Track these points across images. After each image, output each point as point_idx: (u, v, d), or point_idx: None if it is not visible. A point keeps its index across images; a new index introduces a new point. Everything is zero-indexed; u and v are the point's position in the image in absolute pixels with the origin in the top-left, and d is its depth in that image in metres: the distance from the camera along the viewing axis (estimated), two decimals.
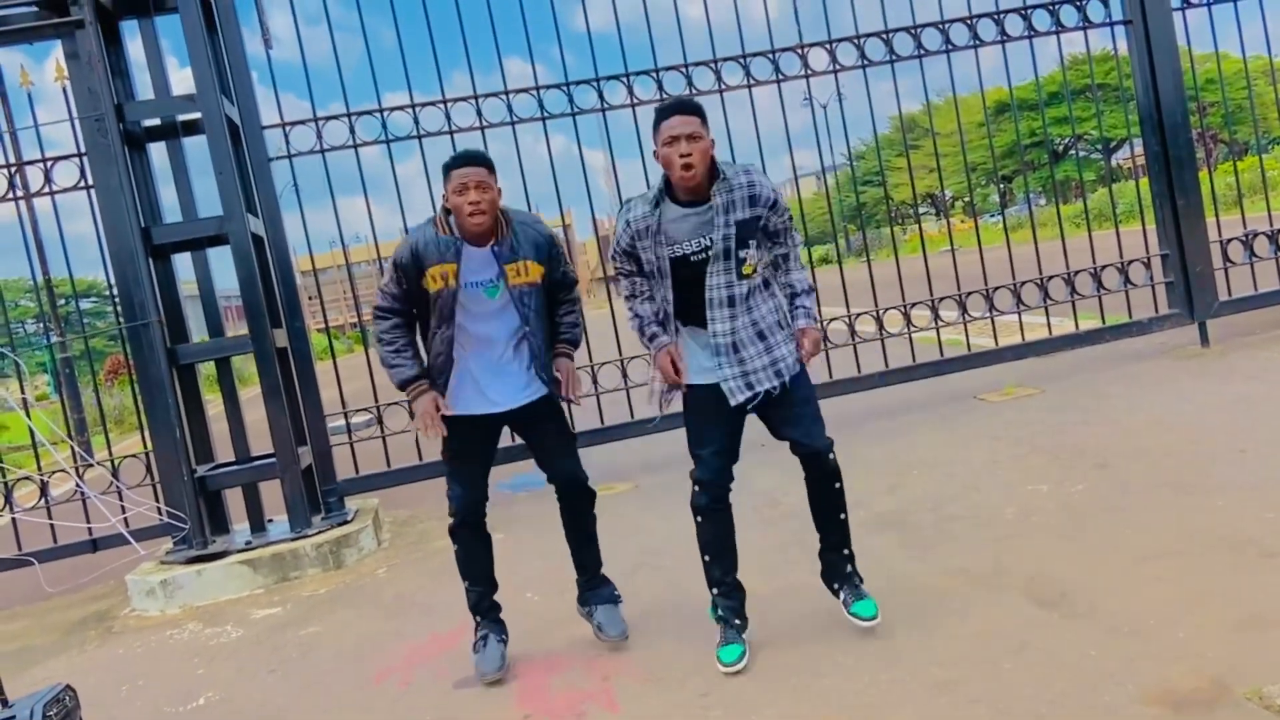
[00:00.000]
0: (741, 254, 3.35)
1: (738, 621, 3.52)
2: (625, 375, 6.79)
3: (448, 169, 3.55)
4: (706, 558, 3.55)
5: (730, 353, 3.39)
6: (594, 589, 3.89)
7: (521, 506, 6.36)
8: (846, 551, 3.58)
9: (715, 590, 3.57)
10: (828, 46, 7.04)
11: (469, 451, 3.71)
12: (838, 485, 3.51)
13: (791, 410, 3.45)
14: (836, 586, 3.61)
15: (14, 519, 6.15)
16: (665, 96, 6.80)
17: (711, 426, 3.47)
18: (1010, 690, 2.92)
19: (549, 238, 3.69)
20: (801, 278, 3.55)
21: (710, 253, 3.33)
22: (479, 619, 3.81)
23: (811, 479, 3.52)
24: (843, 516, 3.56)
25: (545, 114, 6.71)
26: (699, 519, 3.54)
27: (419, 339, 3.75)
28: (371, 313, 3.69)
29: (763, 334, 3.41)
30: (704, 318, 3.40)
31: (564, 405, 3.83)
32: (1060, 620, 3.34)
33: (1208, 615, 3.17)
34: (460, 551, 3.78)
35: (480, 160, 3.56)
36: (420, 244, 3.54)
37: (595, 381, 6.75)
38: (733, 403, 3.39)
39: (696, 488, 3.51)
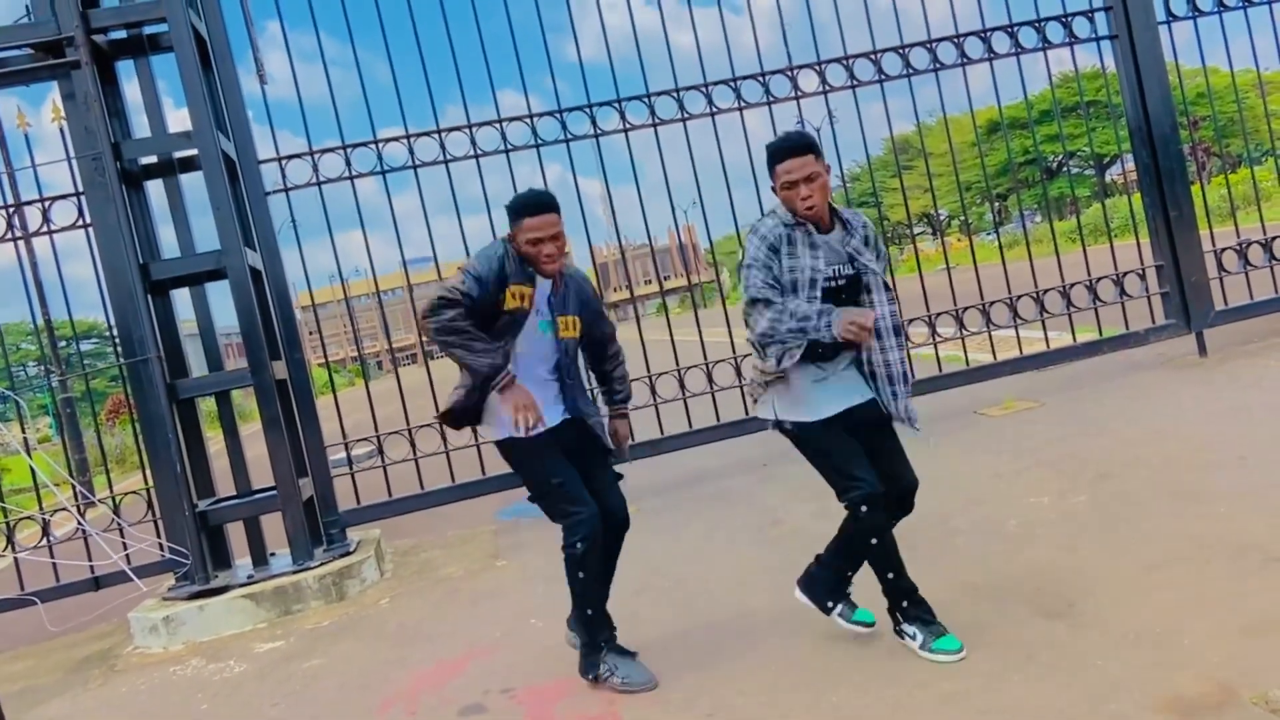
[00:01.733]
0: (888, 285, 3.43)
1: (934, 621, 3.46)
2: None
3: (519, 213, 3.50)
4: (890, 575, 3.47)
5: (901, 383, 3.43)
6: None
7: (523, 533, 6.35)
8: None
9: (906, 603, 3.47)
10: (817, 68, 7.11)
11: (563, 463, 3.56)
12: (893, 522, 3.55)
13: (896, 445, 3.50)
14: (833, 605, 3.61)
15: (16, 559, 6.14)
16: (658, 121, 6.87)
17: (852, 446, 3.39)
18: (1019, 701, 2.91)
19: (592, 295, 3.78)
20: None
21: (852, 283, 3.38)
22: (605, 643, 3.63)
23: (895, 516, 3.51)
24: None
25: (539, 141, 6.76)
26: (875, 540, 3.42)
27: None
28: (429, 307, 3.40)
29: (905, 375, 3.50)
30: (829, 353, 3.38)
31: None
32: (1066, 630, 3.33)
33: (1213, 621, 3.16)
34: (587, 577, 3.52)
35: (553, 206, 3.53)
36: (505, 261, 3.48)
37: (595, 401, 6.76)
38: (899, 421, 3.45)
39: (865, 508, 3.34)
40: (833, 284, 3.36)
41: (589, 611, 3.60)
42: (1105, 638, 3.21)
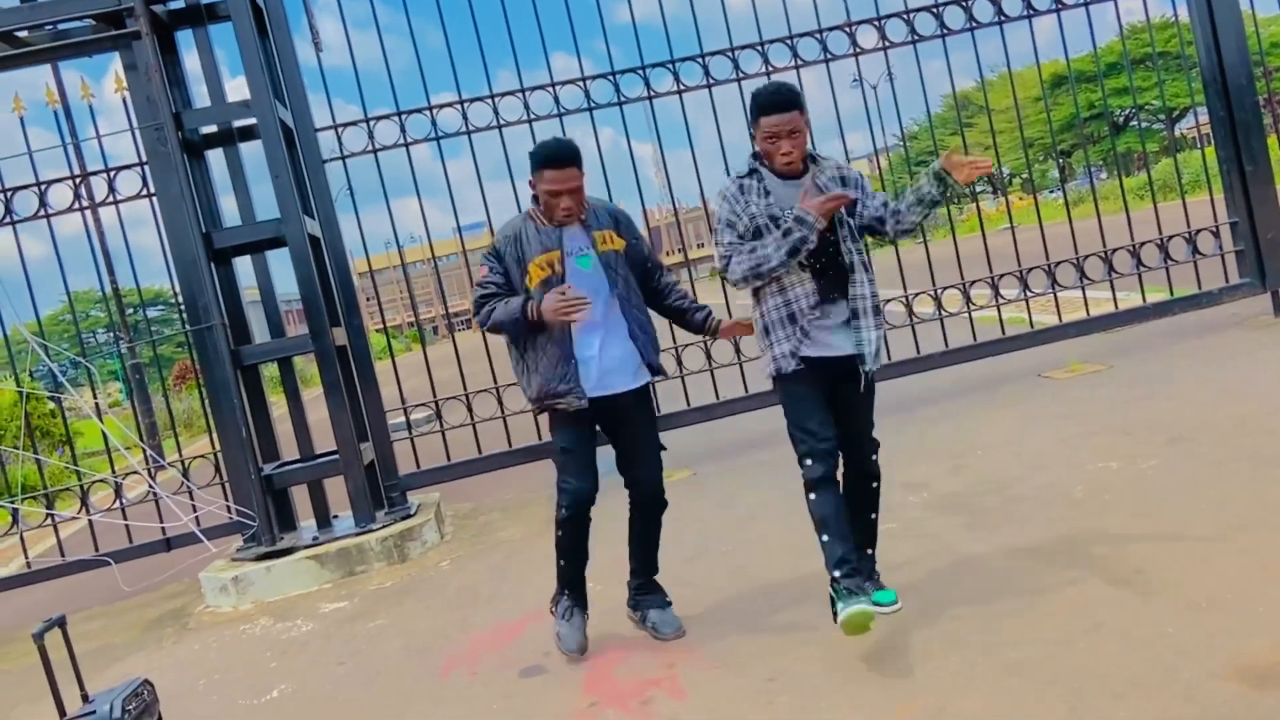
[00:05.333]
0: (852, 222, 3.38)
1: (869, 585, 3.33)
2: (680, 364, 6.77)
3: (539, 163, 3.53)
4: (825, 537, 3.32)
5: (870, 315, 3.37)
6: (647, 594, 3.90)
7: None
8: (871, 551, 3.56)
9: (838, 572, 3.26)
10: (876, 23, 6.94)
11: (576, 439, 3.64)
12: (876, 485, 3.54)
13: (864, 403, 3.45)
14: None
15: (90, 521, 6.34)
16: (712, 82, 6.77)
17: (817, 399, 3.36)
18: (1085, 670, 2.85)
19: (615, 209, 3.80)
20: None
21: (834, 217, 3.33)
22: (568, 592, 3.80)
23: (855, 475, 3.50)
24: (874, 516, 3.56)
25: (592, 104, 6.71)
26: (813, 495, 3.33)
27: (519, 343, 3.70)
28: (474, 312, 3.66)
29: (878, 309, 3.43)
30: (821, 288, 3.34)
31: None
32: (1135, 598, 3.25)
33: None
34: (563, 539, 3.70)
35: (571, 160, 3.54)
36: (523, 236, 3.56)
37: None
38: (868, 368, 3.37)
39: (810, 461, 3.31)
40: None
41: (561, 562, 3.77)
42: (1175, 605, 3.13)
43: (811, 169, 3.41)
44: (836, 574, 3.26)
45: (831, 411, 3.40)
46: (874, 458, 3.51)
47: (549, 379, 3.57)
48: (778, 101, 3.33)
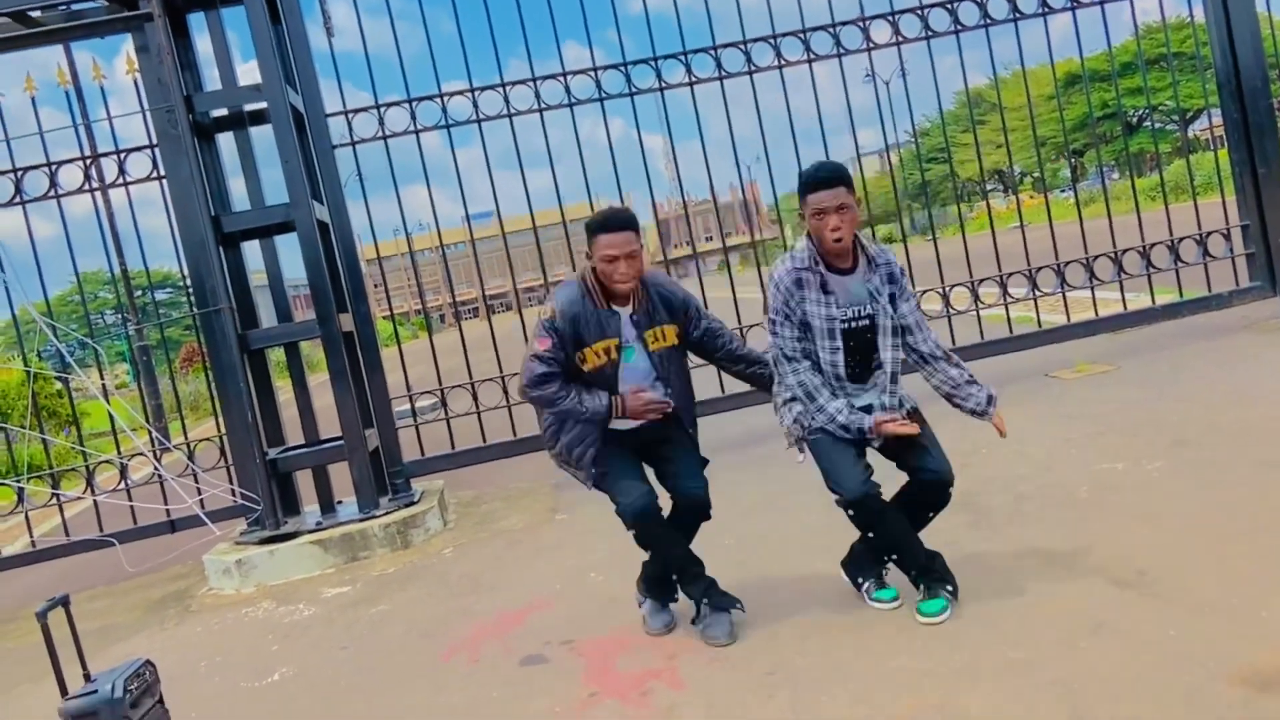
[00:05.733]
0: (899, 327, 3.47)
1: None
2: None
3: (595, 231, 3.47)
4: (895, 556, 3.53)
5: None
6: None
7: (582, 489, 6.36)
8: (887, 560, 3.64)
9: (912, 573, 3.51)
10: (890, 18, 6.91)
11: (617, 458, 3.61)
12: (933, 515, 3.57)
13: (918, 437, 3.48)
14: (863, 581, 3.67)
15: (95, 501, 6.35)
16: (724, 74, 6.75)
17: (843, 445, 3.42)
18: (1086, 671, 2.85)
19: (683, 298, 3.69)
20: (961, 366, 3.60)
21: (873, 322, 3.42)
22: (702, 596, 3.65)
23: (925, 502, 3.51)
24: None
25: (603, 94, 6.69)
26: (872, 534, 3.49)
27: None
28: (529, 379, 3.51)
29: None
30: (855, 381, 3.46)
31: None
32: (1138, 600, 3.24)
33: None
34: (651, 549, 3.63)
35: (627, 224, 3.47)
36: (580, 317, 3.48)
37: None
38: (875, 445, 3.48)
39: (851, 512, 3.42)
40: (851, 325, 3.41)
41: (674, 576, 3.70)
42: (1179, 608, 3.12)
43: (862, 263, 3.41)
44: (911, 574, 3.49)
45: (894, 450, 3.48)
46: (949, 489, 3.50)
47: (566, 450, 3.65)
48: (825, 178, 3.33)
